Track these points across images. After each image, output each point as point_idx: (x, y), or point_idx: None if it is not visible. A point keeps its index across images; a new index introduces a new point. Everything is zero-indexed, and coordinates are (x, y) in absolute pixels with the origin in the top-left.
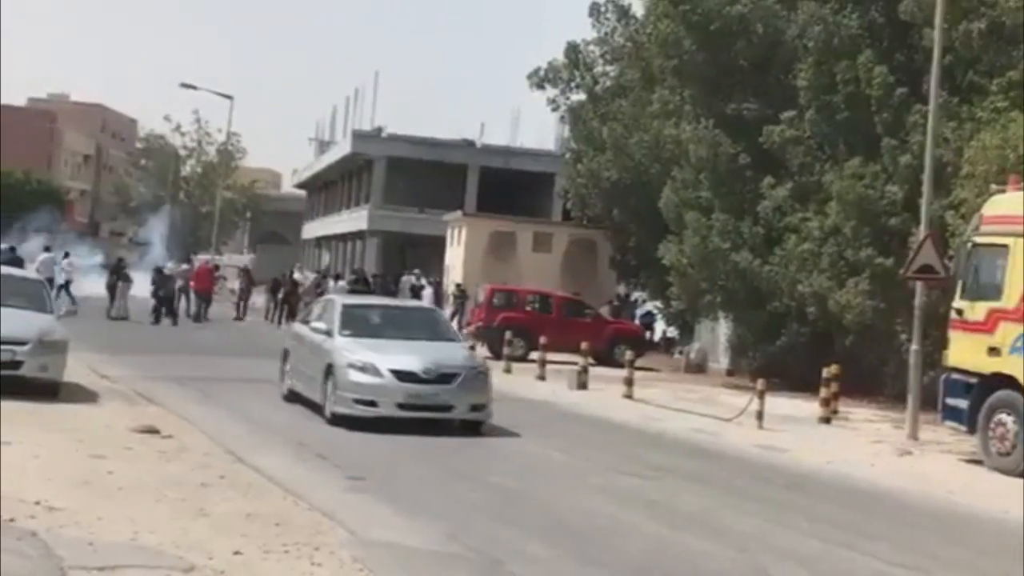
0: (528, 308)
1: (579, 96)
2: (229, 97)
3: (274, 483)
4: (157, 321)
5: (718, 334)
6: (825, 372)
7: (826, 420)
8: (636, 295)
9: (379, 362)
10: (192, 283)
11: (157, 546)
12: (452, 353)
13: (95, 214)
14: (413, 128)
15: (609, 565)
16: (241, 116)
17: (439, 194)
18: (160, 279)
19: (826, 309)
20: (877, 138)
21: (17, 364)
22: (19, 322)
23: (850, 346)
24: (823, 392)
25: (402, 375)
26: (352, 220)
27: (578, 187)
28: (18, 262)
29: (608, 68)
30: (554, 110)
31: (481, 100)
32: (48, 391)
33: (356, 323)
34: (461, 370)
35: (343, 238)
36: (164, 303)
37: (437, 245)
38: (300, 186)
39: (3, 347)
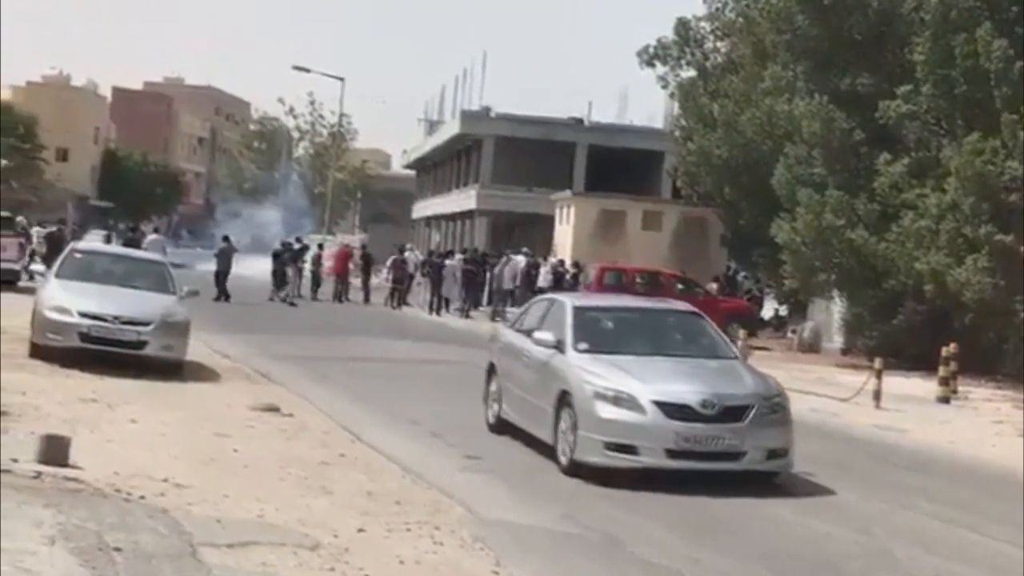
0: (638, 286)
1: (689, 73)
2: (340, 79)
3: (393, 462)
4: (283, 299)
5: (832, 313)
6: (944, 351)
7: (945, 400)
8: (741, 273)
9: (638, 391)
10: (332, 266)
11: (283, 523)
12: (735, 377)
13: (210, 196)
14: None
15: (731, 548)
16: (351, 97)
17: (547, 173)
18: (280, 259)
19: (944, 287)
20: (996, 112)
21: (141, 344)
22: (143, 303)
23: (968, 324)
24: (942, 371)
25: (672, 409)
26: (461, 200)
27: (688, 165)
28: (138, 244)
29: (719, 44)
30: (664, 87)
31: (589, 78)
32: (171, 370)
33: (596, 333)
34: (752, 401)
35: (452, 218)
36: (280, 282)
37: (546, 224)
38: (409, 166)
39: (128, 328)
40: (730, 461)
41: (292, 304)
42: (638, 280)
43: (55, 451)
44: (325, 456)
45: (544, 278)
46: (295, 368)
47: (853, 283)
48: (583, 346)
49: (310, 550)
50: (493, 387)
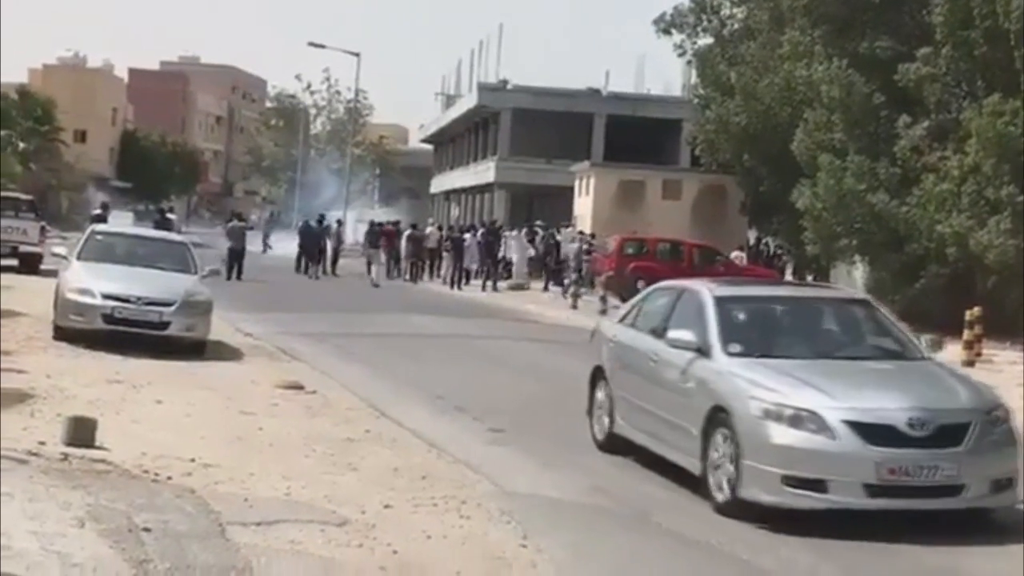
0: (659, 256)
1: (706, 40)
2: (356, 54)
3: (418, 437)
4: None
5: (854, 278)
6: (968, 314)
7: (970, 363)
8: (764, 240)
9: (824, 407)
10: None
11: (310, 501)
12: (941, 385)
13: (228, 174)
14: (538, 79)
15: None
16: (368, 73)
17: (566, 144)
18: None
19: (966, 250)
20: (1016, 73)
21: (164, 325)
22: (165, 284)
23: (992, 287)
24: (966, 334)
25: (871, 432)
26: (480, 173)
27: (707, 133)
28: (168, 224)
29: (735, 10)
30: (681, 55)
31: (606, 48)
32: (195, 350)
33: (747, 330)
34: (970, 417)
35: (471, 191)
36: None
37: (565, 196)
38: (427, 141)
39: (151, 308)
40: (948, 497)
41: (316, 279)
42: (659, 249)
43: (82, 433)
44: (350, 433)
45: (568, 250)
46: (318, 345)
47: (875, 248)
48: (735, 348)
49: (338, 527)
50: (601, 396)
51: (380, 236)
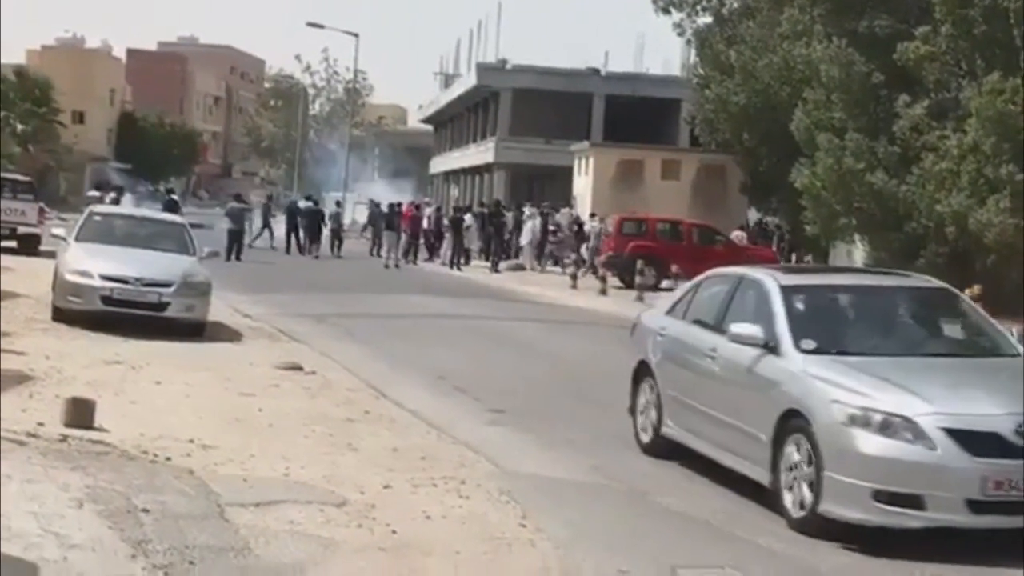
0: (658, 236)
1: (705, 19)
2: (355, 35)
3: (418, 417)
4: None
5: (854, 257)
6: (968, 293)
7: None
8: (765, 218)
9: (918, 412)
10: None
11: (309, 481)
12: None
13: (227, 155)
14: (537, 58)
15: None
16: (366, 53)
17: (565, 124)
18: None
19: (966, 228)
20: (1016, 51)
21: (163, 306)
22: (163, 265)
23: (991, 266)
24: None
25: (974, 440)
26: (479, 153)
27: (706, 112)
28: (175, 206)
29: None
30: (680, 35)
31: (605, 27)
32: (194, 331)
33: (820, 324)
34: None
35: (471, 171)
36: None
37: (565, 176)
38: (426, 121)
39: (149, 289)
40: None
41: (315, 257)
42: (658, 229)
43: (80, 414)
44: (350, 413)
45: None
46: (317, 326)
47: (874, 227)
48: (809, 344)
49: (337, 507)
50: (648, 396)
51: (396, 217)
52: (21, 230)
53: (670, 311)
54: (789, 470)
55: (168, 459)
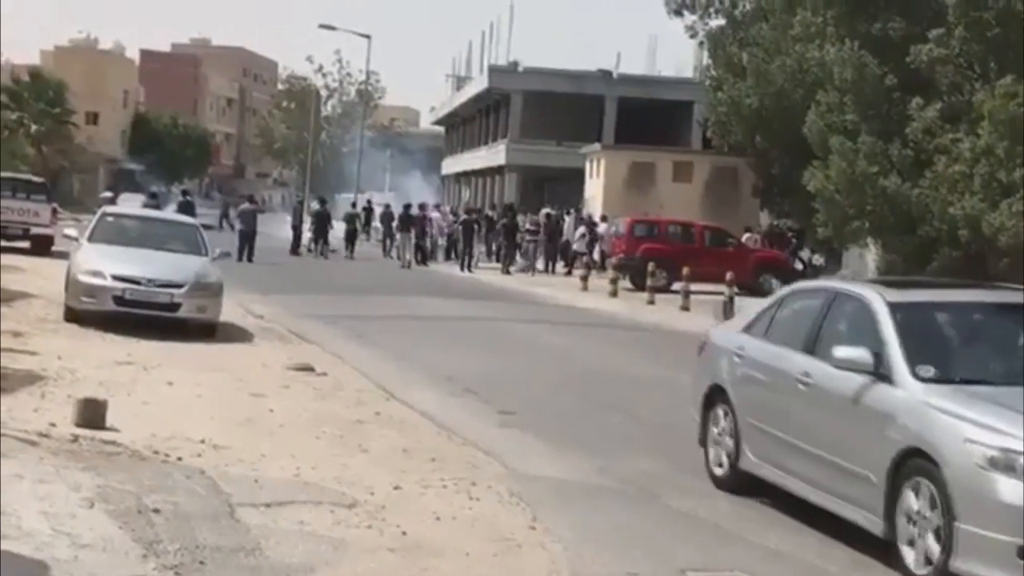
0: (670, 239)
1: (718, 21)
2: (367, 37)
3: (428, 418)
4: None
5: (867, 260)
6: None
7: None
8: (776, 221)
9: None
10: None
11: (320, 482)
12: None
13: (240, 156)
14: (549, 60)
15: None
16: (379, 55)
17: (577, 127)
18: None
19: (979, 232)
20: None
21: (175, 306)
22: (176, 265)
23: (1004, 269)
24: None
25: None
26: (490, 156)
27: (718, 115)
28: (191, 207)
29: None
30: (692, 37)
31: (617, 29)
32: (205, 332)
33: (937, 348)
34: None
35: (482, 174)
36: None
37: (576, 178)
38: (438, 123)
39: (161, 290)
40: None
41: (325, 258)
42: (670, 231)
43: (92, 414)
44: (360, 414)
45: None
46: (329, 328)
47: (887, 230)
48: (927, 371)
49: (347, 508)
50: (721, 423)
51: (411, 220)
52: (34, 231)
53: (747, 329)
54: (909, 520)
55: (179, 459)
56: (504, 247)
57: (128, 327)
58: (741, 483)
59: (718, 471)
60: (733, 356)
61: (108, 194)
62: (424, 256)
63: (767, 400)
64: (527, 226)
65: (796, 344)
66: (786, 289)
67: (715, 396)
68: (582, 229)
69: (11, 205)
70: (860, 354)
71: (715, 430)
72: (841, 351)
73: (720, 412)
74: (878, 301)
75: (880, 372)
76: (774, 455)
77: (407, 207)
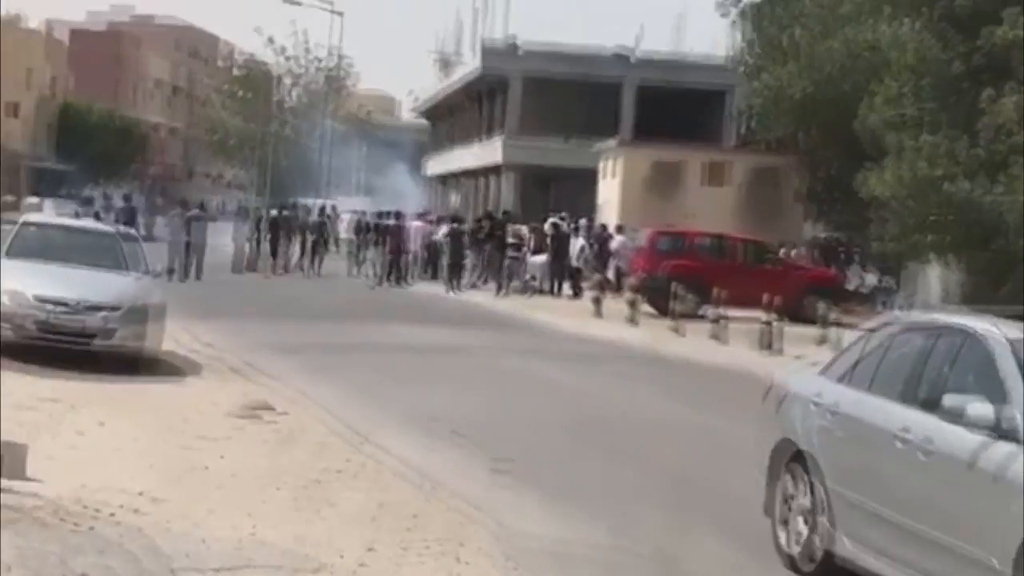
0: (699, 254)
1: None
2: (339, 13)
3: (408, 467)
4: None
5: (929, 279)
6: None
7: None
8: (824, 235)
9: None
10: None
11: (279, 543)
12: None
13: (188, 154)
14: (555, 39)
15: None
16: (350, 31)
17: (588, 118)
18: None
19: None
20: None
21: (110, 333)
22: (110, 285)
23: None
24: None
25: None
26: (484, 153)
27: (757, 106)
28: (133, 214)
29: None
30: (724, 15)
31: (636, 2)
32: (145, 363)
33: None
34: None
35: (474, 174)
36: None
37: (587, 180)
38: (421, 114)
39: (93, 314)
40: None
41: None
42: (699, 245)
43: (10, 461)
44: (327, 462)
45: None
46: (290, 359)
47: (954, 244)
48: None
49: (312, 573)
50: (804, 496)
51: (385, 231)
52: None
53: (827, 371)
54: None
55: (112, 515)
56: (491, 263)
57: (53, 358)
58: (830, 570)
59: (795, 550)
60: (811, 405)
61: (34, 199)
62: (400, 275)
63: (860, 464)
64: (509, 239)
65: (892, 392)
66: (874, 322)
67: (786, 454)
68: (581, 242)
69: None
70: (978, 407)
71: (793, 502)
72: (951, 400)
73: (799, 480)
74: (997, 339)
75: (1001, 428)
76: (874, 537)
77: (380, 216)
